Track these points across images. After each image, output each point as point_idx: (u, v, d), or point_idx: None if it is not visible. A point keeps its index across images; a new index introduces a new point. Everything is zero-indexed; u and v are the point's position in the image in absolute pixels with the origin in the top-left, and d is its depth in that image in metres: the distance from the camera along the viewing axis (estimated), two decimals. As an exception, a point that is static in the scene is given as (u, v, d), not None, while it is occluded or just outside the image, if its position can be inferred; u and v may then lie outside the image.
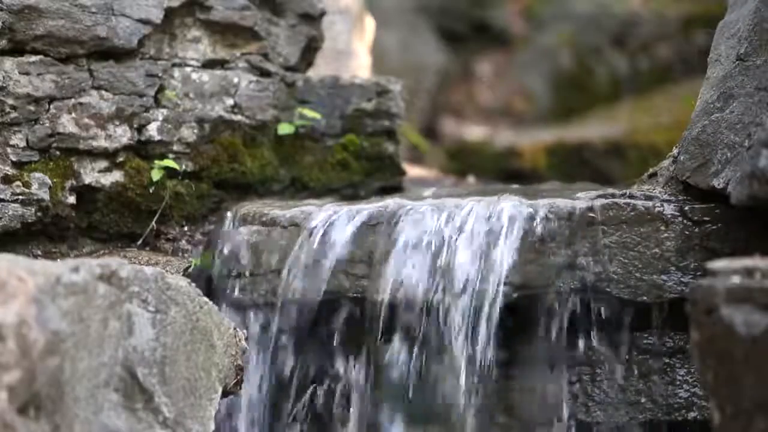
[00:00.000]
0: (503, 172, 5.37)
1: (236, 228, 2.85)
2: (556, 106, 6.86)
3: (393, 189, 3.24)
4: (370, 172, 3.25)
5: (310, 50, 3.28)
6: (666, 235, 2.63)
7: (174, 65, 3.03)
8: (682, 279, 2.61)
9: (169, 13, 2.99)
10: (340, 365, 2.73)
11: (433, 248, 2.65)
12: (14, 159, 2.81)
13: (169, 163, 2.97)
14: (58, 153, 2.86)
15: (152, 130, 2.97)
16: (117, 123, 2.92)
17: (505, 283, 2.60)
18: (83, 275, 2.01)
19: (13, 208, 2.78)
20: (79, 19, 2.86)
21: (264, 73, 3.16)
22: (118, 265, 2.11)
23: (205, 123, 3.05)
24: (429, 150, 5.57)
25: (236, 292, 2.80)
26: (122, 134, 2.93)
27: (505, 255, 2.61)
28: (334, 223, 2.73)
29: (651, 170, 2.89)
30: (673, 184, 2.74)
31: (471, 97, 7.08)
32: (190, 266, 2.86)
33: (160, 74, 2.98)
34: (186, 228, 3.03)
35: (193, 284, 2.29)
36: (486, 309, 2.60)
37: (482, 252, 2.62)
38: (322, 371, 2.75)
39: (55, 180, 2.84)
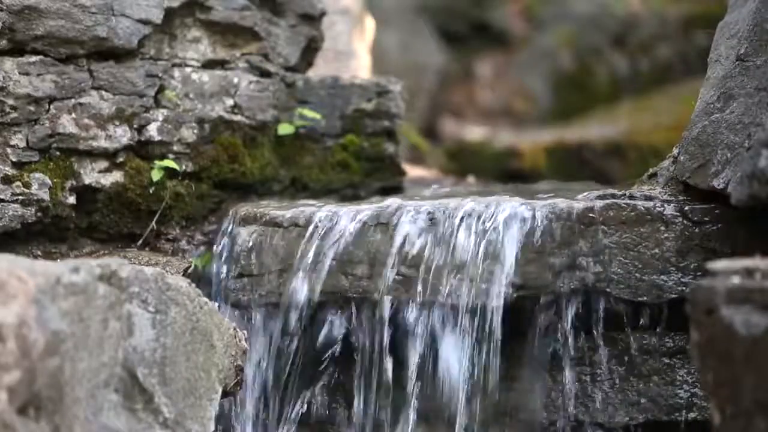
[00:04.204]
0: (503, 172, 5.37)
1: (236, 228, 2.85)
2: (556, 106, 6.86)
3: (393, 189, 3.24)
4: (370, 173, 3.25)
5: (310, 50, 3.28)
6: (666, 235, 2.63)
7: (174, 65, 3.03)
8: (682, 279, 2.61)
9: (169, 13, 2.99)
10: (340, 364, 2.72)
11: (432, 249, 2.65)
12: (14, 159, 2.81)
13: (169, 163, 2.97)
14: (58, 153, 2.86)
15: (152, 131, 2.97)
16: (117, 123, 2.92)
17: (505, 284, 2.60)
18: (83, 275, 2.01)
19: (13, 209, 2.78)
20: (79, 19, 2.86)
21: (264, 74, 3.16)
22: (118, 266, 2.11)
23: (205, 123, 3.05)
24: (429, 150, 5.57)
25: (236, 293, 2.80)
26: (122, 134, 2.93)
27: (505, 255, 2.61)
28: (335, 223, 2.73)
29: (651, 170, 2.89)
30: (673, 184, 2.74)
31: (471, 97, 7.09)
32: (190, 266, 2.86)
33: (160, 74, 2.98)
34: (186, 228, 3.03)
35: (193, 285, 2.29)
36: (486, 309, 2.59)
37: (482, 252, 2.62)
38: (322, 371, 2.75)
39: (55, 180, 2.84)
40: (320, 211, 2.79)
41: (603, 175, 4.99)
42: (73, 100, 2.87)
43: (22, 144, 2.82)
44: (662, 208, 2.65)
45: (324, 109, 3.21)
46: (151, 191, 2.96)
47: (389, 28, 6.18)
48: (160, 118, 2.98)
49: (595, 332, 2.64)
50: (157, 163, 2.96)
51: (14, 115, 2.80)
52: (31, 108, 2.82)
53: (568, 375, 2.64)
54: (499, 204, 2.68)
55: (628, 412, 2.63)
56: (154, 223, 2.98)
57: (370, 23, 4.62)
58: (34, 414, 1.89)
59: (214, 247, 2.92)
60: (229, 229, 2.88)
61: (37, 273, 1.92)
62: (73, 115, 2.87)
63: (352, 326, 2.71)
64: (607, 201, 2.66)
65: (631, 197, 2.69)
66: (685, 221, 2.64)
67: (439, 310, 2.63)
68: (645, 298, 2.61)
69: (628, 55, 6.89)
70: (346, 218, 2.73)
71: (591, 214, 2.64)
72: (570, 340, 2.63)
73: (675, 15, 6.85)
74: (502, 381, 2.65)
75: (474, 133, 6.47)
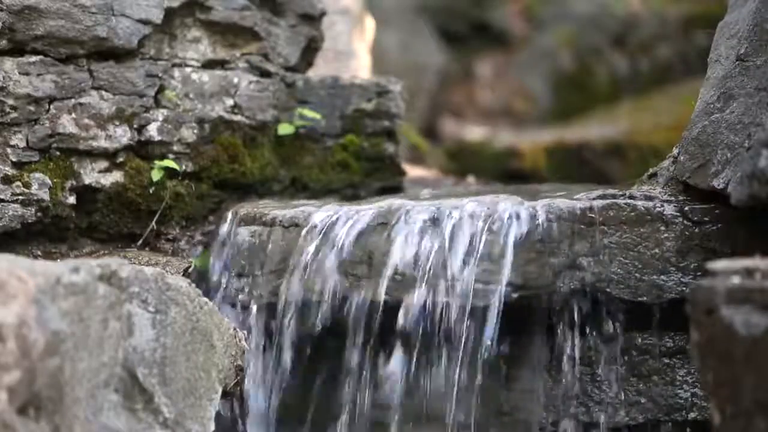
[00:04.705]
0: (503, 172, 5.37)
1: (236, 228, 2.85)
2: (556, 106, 6.86)
3: (393, 189, 3.24)
4: (370, 173, 3.25)
5: (310, 50, 3.28)
6: (666, 235, 2.63)
7: (174, 65, 3.03)
8: (682, 279, 2.61)
9: (169, 13, 2.99)
10: (339, 364, 2.72)
11: (432, 249, 2.65)
12: (14, 159, 2.81)
13: (169, 163, 2.97)
14: (58, 153, 2.86)
15: (152, 131, 2.97)
16: (117, 123, 2.92)
17: (505, 284, 2.60)
18: (83, 276, 2.01)
19: (13, 209, 2.78)
20: (79, 19, 2.86)
21: (264, 74, 3.16)
22: (118, 266, 2.11)
23: (205, 123, 3.05)
24: (429, 150, 5.57)
25: (236, 293, 2.80)
26: (122, 134, 2.93)
27: (505, 255, 2.61)
28: (335, 223, 2.73)
29: (651, 170, 2.89)
30: (673, 184, 2.74)
31: (471, 97, 7.09)
32: (190, 266, 2.86)
33: (160, 74, 2.98)
34: (186, 228, 3.03)
35: (193, 285, 2.29)
36: (486, 310, 2.59)
37: (482, 252, 2.62)
38: (322, 370, 2.75)
39: (55, 180, 2.84)
40: (320, 211, 2.79)
41: (603, 175, 4.99)
42: (73, 100, 2.87)
43: (22, 144, 2.82)
44: (662, 208, 2.65)
45: (324, 109, 3.22)
46: (151, 191, 2.96)
47: (389, 28, 6.18)
48: (160, 118, 2.98)
49: (594, 332, 2.64)
50: (157, 163, 2.96)
51: (14, 115, 2.80)
52: (31, 108, 2.82)
53: (568, 375, 2.64)
54: (499, 204, 2.68)
55: (628, 412, 2.63)
56: (154, 223, 2.98)
57: (370, 23, 4.62)
58: (34, 414, 1.89)
59: (214, 247, 2.92)
60: (229, 229, 2.88)
61: (37, 273, 1.92)
62: (73, 115, 2.87)
63: (352, 326, 2.71)
64: (607, 201, 2.66)
65: (631, 197, 2.69)
66: (685, 221, 2.64)
67: (439, 310, 2.62)
68: (645, 298, 2.61)
69: (628, 55, 6.89)
70: (346, 218, 2.73)
71: (591, 214, 2.64)
72: (570, 340, 2.63)
73: (675, 15, 6.85)
74: (501, 381, 2.65)
75: (474, 133, 6.47)
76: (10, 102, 2.80)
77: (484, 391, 2.63)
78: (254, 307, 2.78)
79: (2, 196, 2.77)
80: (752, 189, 2.30)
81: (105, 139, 2.91)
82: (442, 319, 2.63)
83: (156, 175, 2.96)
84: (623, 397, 2.63)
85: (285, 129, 3.17)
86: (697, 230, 2.63)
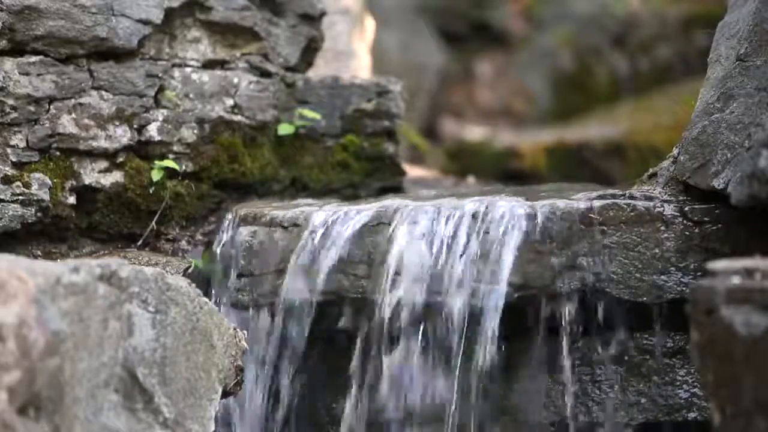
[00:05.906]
0: (503, 172, 5.37)
1: (236, 228, 2.85)
2: (556, 106, 6.86)
3: (393, 189, 3.24)
4: (370, 173, 3.25)
5: (310, 51, 3.28)
6: (666, 235, 2.63)
7: (174, 65, 3.03)
8: (682, 279, 2.61)
9: (169, 13, 2.99)
10: (339, 365, 2.72)
11: (432, 249, 2.65)
12: (14, 159, 2.81)
13: (169, 163, 2.97)
14: (58, 153, 2.86)
15: (152, 131, 2.97)
16: (117, 123, 2.92)
17: (505, 284, 2.60)
18: (83, 276, 2.01)
19: (13, 209, 2.78)
20: (79, 19, 2.86)
21: (264, 74, 3.16)
22: (118, 266, 2.11)
23: (205, 123, 3.05)
24: (429, 150, 5.57)
25: (236, 293, 2.80)
26: (122, 134, 2.93)
27: (504, 255, 2.61)
28: (335, 223, 2.73)
29: (651, 170, 2.89)
30: (673, 184, 2.74)
31: (471, 97, 7.08)
32: (190, 267, 2.86)
33: (160, 74, 2.98)
34: (186, 228, 3.03)
35: (193, 284, 2.29)
36: (485, 310, 2.59)
37: (482, 252, 2.62)
38: (322, 371, 2.75)
39: (55, 180, 2.84)
40: (320, 211, 2.79)
41: (603, 175, 4.99)
42: (73, 100, 2.87)
43: (22, 144, 2.82)
44: (662, 208, 2.65)
45: (324, 109, 3.21)
46: (151, 191, 2.96)
47: (389, 28, 6.18)
48: (160, 118, 2.98)
49: (594, 332, 2.64)
50: (157, 163, 2.97)
51: (14, 115, 2.80)
52: (31, 108, 2.82)
53: (568, 375, 2.64)
54: (499, 204, 2.68)
55: (628, 412, 2.63)
56: (154, 223, 2.98)
57: (370, 23, 4.62)
58: (34, 414, 1.89)
59: (214, 247, 2.92)
60: (229, 229, 2.88)
61: (37, 273, 1.92)
62: (73, 115, 2.87)
63: (352, 326, 2.71)
64: (607, 201, 2.66)
65: (631, 197, 2.69)
66: (685, 221, 2.64)
67: (440, 310, 2.62)
68: (645, 298, 2.61)
69: (628, 55, 6.89)
70: (346, 218, 2.73)
71: (591, 214, 2.64)
72: (570, 340, 2.63)
73: (675, 15, 6.85)
74: (501, 381, 2.65)
75: (474, 133, 6.46)
76: (10, 102, 2.80)
77: (484, 391, 2.63)
78: (254, 307, 2.78)
79: (2, 196, 2.77)
80: (752, 189, 2.30)
81: (105, 139, 2.91)
82: (442, 320, 2.63)
83: (156, 175, 2.96)
84: (623, 397, 2.63)
85: (285, 129, 3.17)
86: (697, 230, 2.63)
